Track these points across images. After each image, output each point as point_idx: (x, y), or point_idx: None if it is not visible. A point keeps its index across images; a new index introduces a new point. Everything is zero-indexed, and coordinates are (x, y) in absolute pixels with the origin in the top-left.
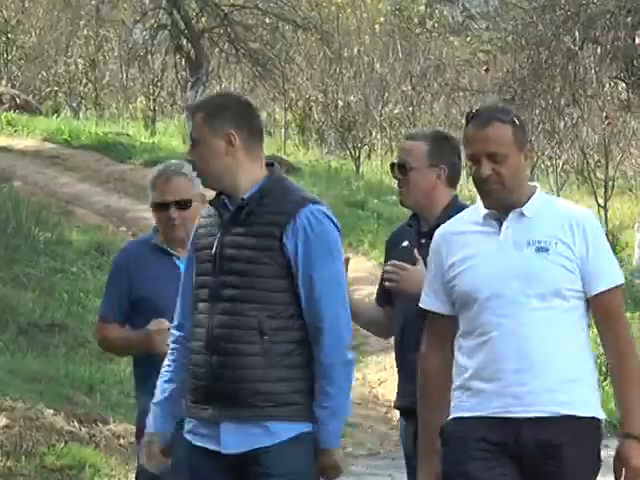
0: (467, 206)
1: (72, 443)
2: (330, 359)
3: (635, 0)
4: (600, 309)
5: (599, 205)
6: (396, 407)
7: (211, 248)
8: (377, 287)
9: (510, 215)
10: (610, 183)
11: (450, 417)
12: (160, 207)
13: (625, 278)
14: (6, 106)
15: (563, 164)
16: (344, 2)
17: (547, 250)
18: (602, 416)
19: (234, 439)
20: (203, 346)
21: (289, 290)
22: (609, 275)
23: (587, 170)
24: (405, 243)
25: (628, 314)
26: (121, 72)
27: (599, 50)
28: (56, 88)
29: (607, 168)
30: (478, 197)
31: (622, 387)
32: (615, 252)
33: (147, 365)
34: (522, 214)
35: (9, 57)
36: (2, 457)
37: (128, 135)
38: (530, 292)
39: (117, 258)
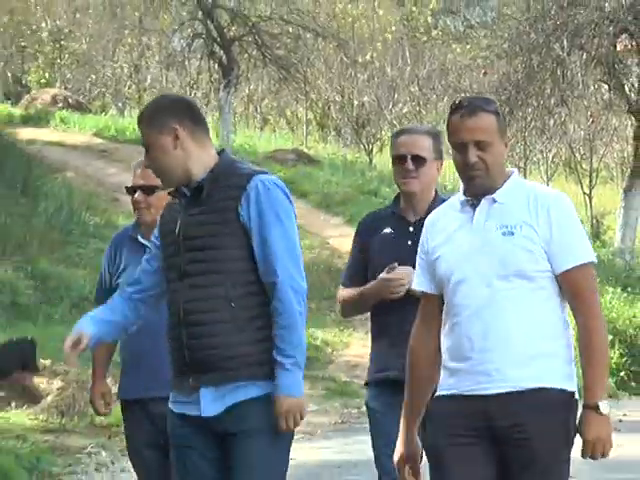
0: (447, 198)
1: (117, 403)
2: (287, 310)
3: (616, 12)
4: (567, 286)
5: (584, 193)
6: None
7: (175, 231)
8: (349, 269)
9: (482, 202)
10: (594, 174)
11: (435, 395)
12: (129, 190)
13: (607, 258)
14: (59, 106)
15: (553, 157)
16: (359, 13)
17: (513, 234)
18: (573, 388)
19: (212, 403)
20: (177, 322)
21: (249, 258)
22: (575, 253)
23: (574, 162)
24: (387, 230)
25: (610, 289)
26: (161, 75)
27: (584, 56)
28: (103, 89)
29: (592, 160)
30: (460, 185)
31: (586, 360)
32: (599, 235)
33: (133, 349)
34: (494, 200)
35: (62, 62)
36: (57, 416)
37: None
38: (496, 274)
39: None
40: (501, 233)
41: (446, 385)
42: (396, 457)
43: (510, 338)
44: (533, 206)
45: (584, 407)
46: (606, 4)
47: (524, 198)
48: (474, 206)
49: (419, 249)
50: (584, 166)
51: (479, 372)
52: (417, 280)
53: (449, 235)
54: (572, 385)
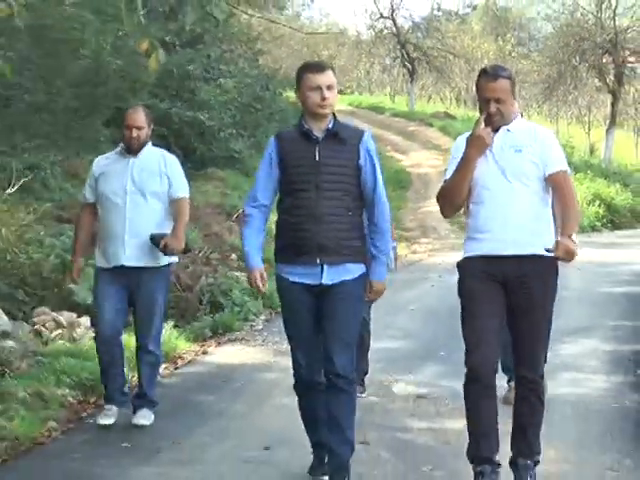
0: None
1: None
2: (381, 221)
3: (604, 43)
4: (552, 183)
5: (586, 132)
6: None
7: (311, 157)
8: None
9: (500, 130)
10: (591, 123)
11: (463, 257)
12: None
13: (597, 163)
14: None
15: (570, 115)
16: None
17: (521, 151)
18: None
19: (331, 275)
20: (313, 219)
21: (359, 184)
22: (556, 164)
23: (581, 116)
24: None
25: (598, 179)
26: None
27: (587, 65)
28: None
29: (589, 116)
30: (481, 118)
31: (565, 219)
32: (593, 151)
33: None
34: (508, 130)
35: None
36: None
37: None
38: (509, 177)
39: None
40: (513, 150)
41: (472, 250)
42: None
43: (520, 218)
44: (533, 135)
45: (561, 235)
46: (598, 38)
47: (527, 130)
48: (493, 133)
49: (451, 158)
50: (585, 119)
51: (498, 240)
52: (449, 173)
53: None
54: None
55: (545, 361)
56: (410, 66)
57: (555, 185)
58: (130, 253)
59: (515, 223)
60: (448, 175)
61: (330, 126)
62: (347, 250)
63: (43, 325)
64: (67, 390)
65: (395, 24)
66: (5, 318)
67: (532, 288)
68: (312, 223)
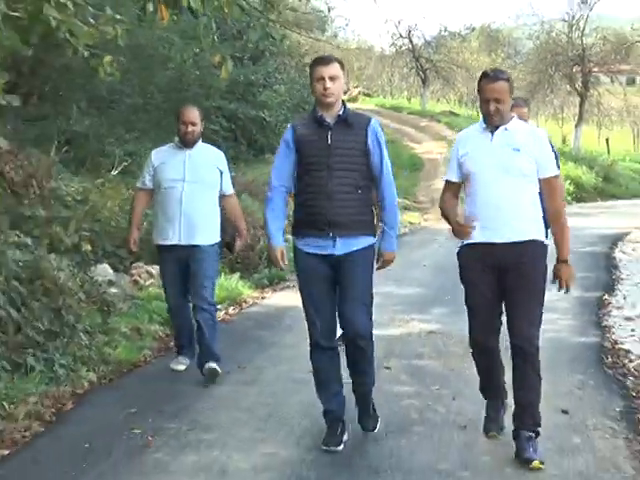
0: None
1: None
2: (389, 198)
3: (574, 57)
4: (545, 186)
5: (560, 127)
6: None
7: (324, 141)
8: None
9: (499, 129)
10: (563, 119)
11: (462, 245)
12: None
13: (568, 150)
14: None
15: (546, 113)
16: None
17: (519, 150)
18: (548, 242)
19: (342, 247)
20: (325, 197)
21: (367, 164)
22: (549, 168)
23: (555, 114)
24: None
25: (569, 162)
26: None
27: (560, 74)
28: None
29: (562, 113)
30: (481, 117)
31: (556, 231)
32: (565, 141)
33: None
34: (506, 129)
35: None
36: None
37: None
38: (506, 172)
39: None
40: (511, 149)
41: (472, 237)
42: None
43: (514, 208)
44: (530, 136)
45: (558, 261)
46: (569, 53)
47: (524, 131)
48: (492, 132)
49: (452, 154)
50: (559, 116)
51: (491, 228)
52: (450, 173)
53: (475, 147)
54: (546, 240)
55: (538, 337)
56: (422, 75)
57: (546, 189)
58: (185, 233)
59: (510, 213)
60: (448, 174)
61: (341, 113)
62: (357, 224)
63: (139, 276)
64: (157, 326)
65: (411, 42)
66: (110, 271)
67: (527, 270)
68: (324, 200)
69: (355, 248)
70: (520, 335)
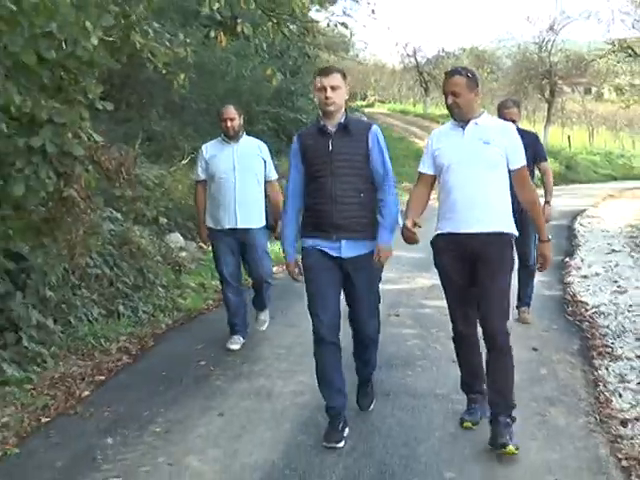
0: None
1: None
2: (390, 202)
3: (545, 72)
4: (515, 177)
5: (531, 127)
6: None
7: (326, 148)
8: None
9: (470, 123)
10: (535, 121)
11: (435, 234)
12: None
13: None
14: None
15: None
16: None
17: (489, 143)
18: (516, 233)
19: (348, 250)
20: (329, 201)
21: (368, 168)
22: (518, 159)
23: (529, 117)
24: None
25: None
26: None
27: (533, 85)
28: None
29: (534, 116)
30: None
31: (535, 216)
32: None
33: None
34: (476, 123)
35: None
36: None
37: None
38: (476, 164)
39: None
40: (482, 142)
41: (444, 227)
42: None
43: (485, 201)
44: (500, 129)
45: (540, 241)
46: (539, 69)
47: (494, 125)
48: (463, 127)
49: (426, 149)
50: (531, 118)
51: (462, 220)
52: (422, 166)
53: (448, 141)
54: (514, 231)
55: (507, 324)
56: (425, 85)
57: (516, 179)
58: (241, 218)
59: (480, 204)
60: (420, 166)
61: (342, 120)
62: (360, 227)
63: (204, 243)
64: (218, 282)
65: (416, 60)
66: (181, 238)
67: (494, 259)
68: (329, 204)
69: (361, 253)
70: (491, 327)
